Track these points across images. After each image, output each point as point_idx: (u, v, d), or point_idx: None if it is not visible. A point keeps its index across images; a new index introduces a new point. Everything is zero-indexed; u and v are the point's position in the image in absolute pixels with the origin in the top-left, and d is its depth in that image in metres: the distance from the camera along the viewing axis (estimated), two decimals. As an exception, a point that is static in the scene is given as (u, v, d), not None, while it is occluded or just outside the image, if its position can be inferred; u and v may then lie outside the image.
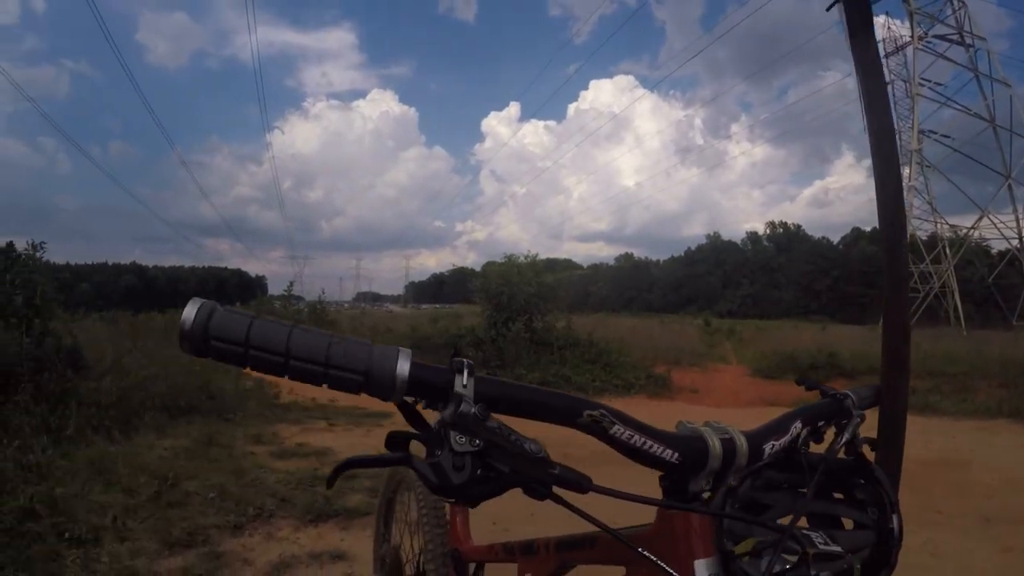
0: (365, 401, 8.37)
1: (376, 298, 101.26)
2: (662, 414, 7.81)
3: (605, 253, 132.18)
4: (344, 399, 7.99)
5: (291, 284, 17.14)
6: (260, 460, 4.62)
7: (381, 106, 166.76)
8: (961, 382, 9.89)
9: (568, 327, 12.35)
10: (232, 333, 0.54)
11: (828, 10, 1.32)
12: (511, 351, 11.22)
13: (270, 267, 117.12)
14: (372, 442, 5.75)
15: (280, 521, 3.43)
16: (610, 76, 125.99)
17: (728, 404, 9.73)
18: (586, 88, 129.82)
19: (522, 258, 13.16)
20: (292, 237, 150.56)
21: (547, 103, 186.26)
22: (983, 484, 4.92)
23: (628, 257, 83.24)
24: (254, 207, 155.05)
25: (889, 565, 0.68)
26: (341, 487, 4.05)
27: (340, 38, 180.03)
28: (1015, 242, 28.15)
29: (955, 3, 27.08)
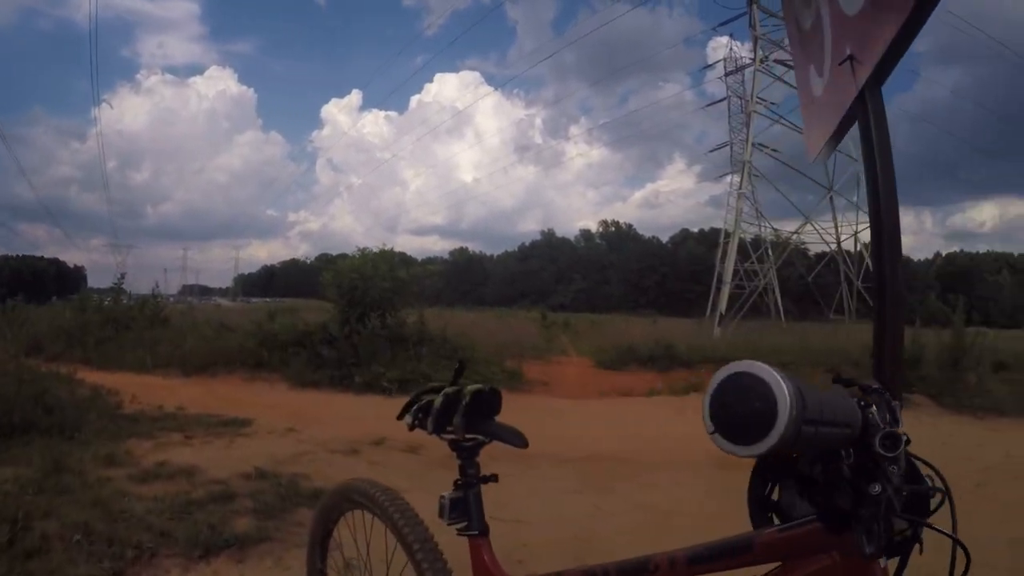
0: (216, 407, 7.77)
1: (204, 291, 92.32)
2: (528, 407, 8.15)
3: (439, 247, 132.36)
4: (195, 404, 7.32)
5: (122, 276, 15.06)
6: (120, 486, 4.03)
7: (219, 84, 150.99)
8: (791, 370, 11.07)
9: (421, 322, 12.24)
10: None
11: (840, 64, 1.47)
12: (367, 349, 10.91)
13: (90, 257, 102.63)
14: (238, 454, 5.31)
15: (165, 561, 3.02)
16: (456, 71, 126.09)
17: (581, 395, 10.16)
18: (431, 81, 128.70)
19: (375, 251, 12.72)
20: (115, 223, 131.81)
21: (391, 94, 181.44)
22: None
23: (462, 251, 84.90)
24: (74, 189, 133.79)
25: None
26: (223, 510, 3.73)
27: (183, 7, 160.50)
28: (833, 246, 32.84)
29: None
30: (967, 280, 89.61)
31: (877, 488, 0.71)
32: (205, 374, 10.69)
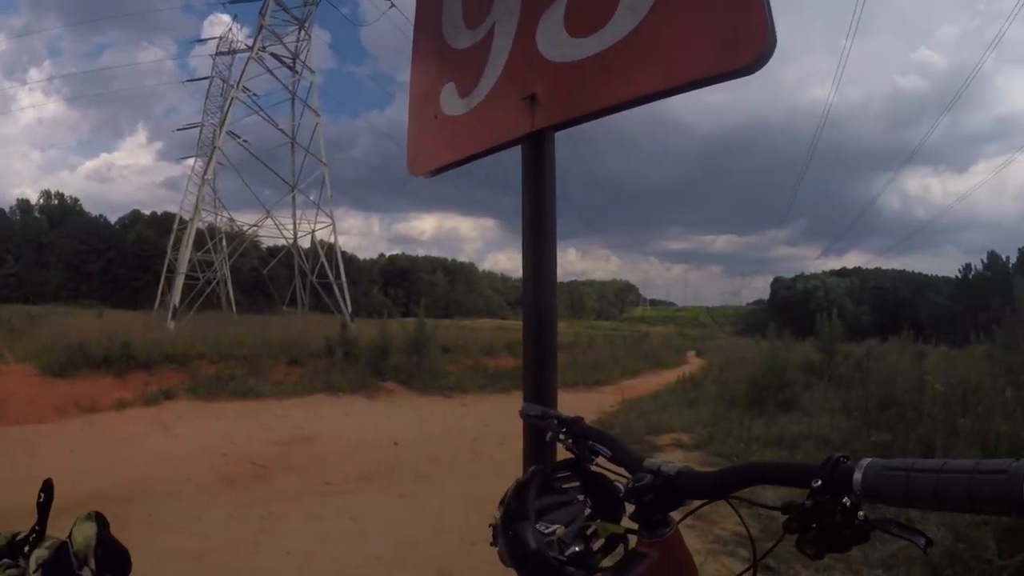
0: None
1: None
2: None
3: None
4: None
5: None
6: None
7: None
8: (255, 363, 10.64)
9: None
10: None
11: (523, 99, 1.48)
12: None
13: None
14: None
15: None
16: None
17: (34, 416, 7.71)
18: None
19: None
20: None
21: None
22: (338, 451, 5.90)
23: None
24: None
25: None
26: None
27: None
28: (290, 240, 33.61)
29: (302, 35, 30.30)
30: (407, 278, 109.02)
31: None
32: None
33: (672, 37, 1.22)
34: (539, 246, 1.57)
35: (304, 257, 33.48)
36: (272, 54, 29.55)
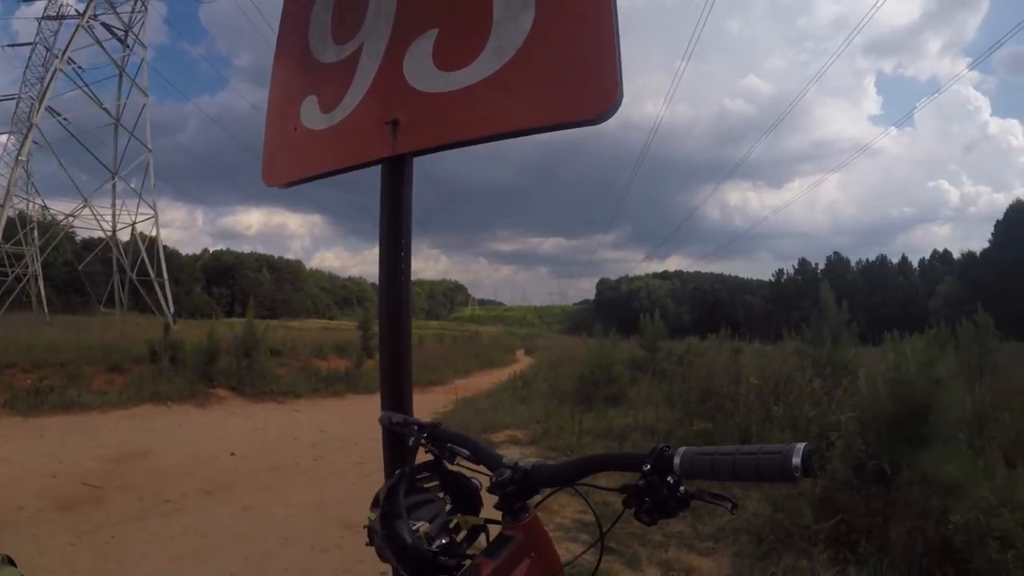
0: None
1: None
2: None
3: None
4: None
5: None
6: None
7: None
8: (74, 372, 9.61)
9: None
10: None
11: (386, 123, 1.52)
12: None
13: None
14: None
15: None
16: None
17: None
18: None
19: None
20: None
21: None
22: (175, 465, 5.43)
23: None
24: None
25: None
26: None
27: None
28: (109, 233, 29.90)
29: (138, 5, 26.85)
30: (231, 275, 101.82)
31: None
32: None
33: (531, 83, 1.34)
34: (395, 265, 1.63)
35: (123, 252, 30.43)
36: (104, 24, 26.77)
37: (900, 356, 3.78)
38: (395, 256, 1.64)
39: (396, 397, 1.63)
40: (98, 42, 26.91)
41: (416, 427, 1.23)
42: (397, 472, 1.08)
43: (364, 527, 1.03)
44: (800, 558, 3.43)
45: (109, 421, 7.31)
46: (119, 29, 28.05)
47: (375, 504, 1.02)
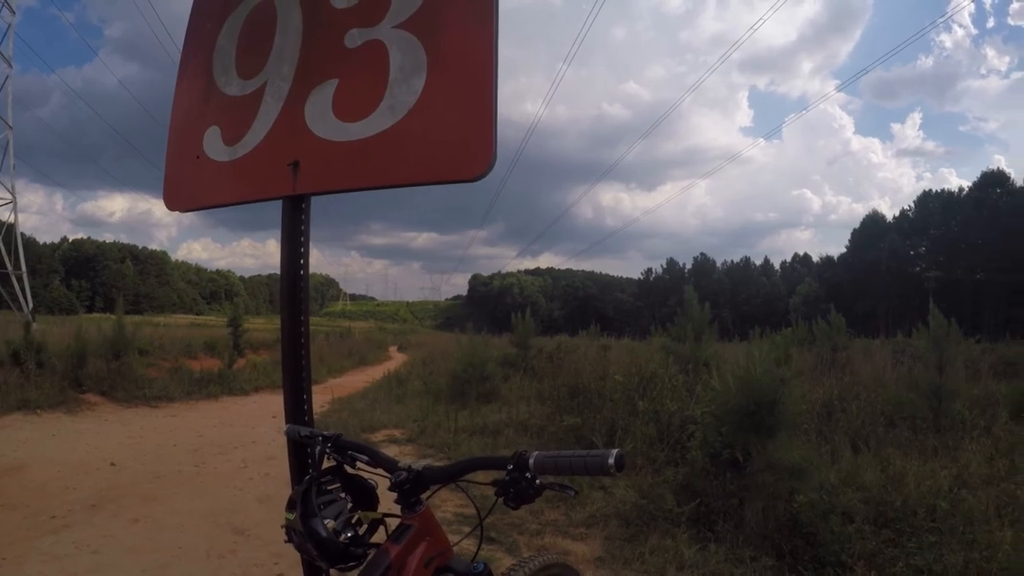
0: None
1: None
2: None
3: None
4: None
5: None
6: None
7: None
8: None
9: None
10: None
11: (289, 164, 1.67)
12: None
13: None
14: None
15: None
16: None
17: None
18: None
19: None
20: None
21: None
22: (54, 479, 5.13)
23: None
24: None
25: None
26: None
27: None
28: None
29: None
30: (92, 267, 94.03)
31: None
32: None
33: (419, 144, 1.55)
34: (296, 295, 1.79)
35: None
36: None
37: (749, 357, 4.30)
38: (296, 288, 1.79)
39: (298, 412, 1.80)
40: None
41: (321, 438, 1.45)
42: (307, 478, 1.31)
43: (282, 526, 1.24)
44: (665, 538, 3.86)
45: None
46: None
47: (291, 506, 1.24)
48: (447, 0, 1.59)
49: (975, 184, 67.99)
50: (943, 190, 75.06)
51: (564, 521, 4.32)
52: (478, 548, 1.45)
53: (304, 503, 1.23)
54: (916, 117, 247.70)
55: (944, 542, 3.35)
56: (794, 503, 3.73)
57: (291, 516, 1.23)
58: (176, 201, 2.08)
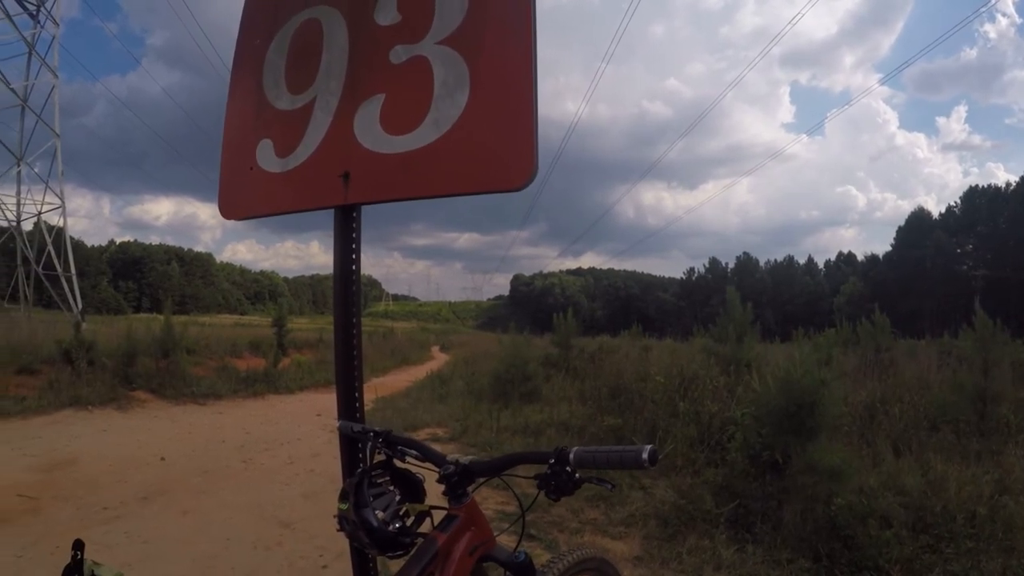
0: None
1: None
2: None
3: None
4: None
5: None
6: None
7: None
8: None
9: None
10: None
11: (340, 176, 1.76)
12: None
13: None
14: None
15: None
16: None
17: None
18: None
19: None
20: None
21: None
22: (106, 472, 5.38)
23: None
24: None
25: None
26: None
27: None
28: (13, 223, 27.85)
29: None
30: (139, 268, 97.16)
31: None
32: None
33: (463, 156, 1.61)
34: (348, 299, 1.89)
35: (28, 243, 28.36)
36: (16, -2, 24.74)
37: (791, 358, 4.27)
38: (348, 292, 1.88)
39: (350, 409, 1.89)
40: (7, 16, 24.94)
41: (372, 434, 1.54)
42: (359, 471, 1.41)
43: (335, 516, 1.34)
44: (703, 539, 3.87)
45: (31, 428, 7.06)
46: (31, 3, 26.22)
47: (344, 497, 1.33)
48: (487, 17, 1.64)
49: (1023, 179, 65.50)
50: (990, 185, 72.58)
51: (603, 520, 4.36)
52: (520, 538, 1.52)
53: (356, 494, 1.32)
54: (961, 110, 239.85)
55: (982, 548, 3.30)
56: (832, 506, 3.71)
57: (344, 506, 1.32)
58: (231, 210, 2.17)
